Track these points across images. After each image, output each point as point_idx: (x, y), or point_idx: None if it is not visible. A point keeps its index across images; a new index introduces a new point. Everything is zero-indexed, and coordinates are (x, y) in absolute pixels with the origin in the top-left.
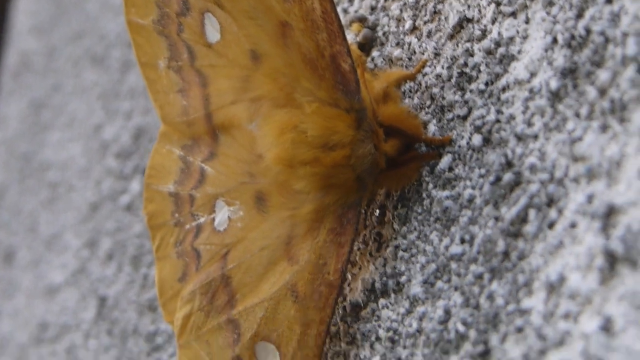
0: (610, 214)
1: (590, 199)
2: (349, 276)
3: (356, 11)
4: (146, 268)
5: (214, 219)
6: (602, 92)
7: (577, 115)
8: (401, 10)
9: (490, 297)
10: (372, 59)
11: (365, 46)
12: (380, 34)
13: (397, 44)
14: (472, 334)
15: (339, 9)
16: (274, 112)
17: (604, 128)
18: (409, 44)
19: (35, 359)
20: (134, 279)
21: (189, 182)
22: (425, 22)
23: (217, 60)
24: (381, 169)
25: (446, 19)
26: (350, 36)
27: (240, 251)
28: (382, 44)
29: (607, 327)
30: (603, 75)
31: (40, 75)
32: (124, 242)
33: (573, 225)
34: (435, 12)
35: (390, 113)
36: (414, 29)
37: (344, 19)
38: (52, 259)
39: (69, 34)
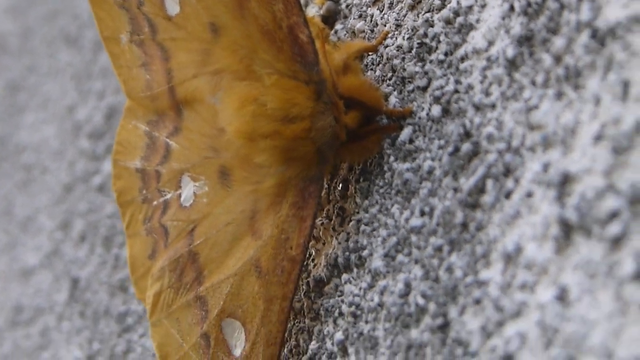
0: (565, 182)
1: (546, 167)
2: (313, 252)
3: None
4: (117, 249)
5: (180, 195)
6: (558, 59)
7: (533, 83)
8: None
9: (449, 269)
10: (336, 32)
11: (329, 19)
12: (343, 6)
13: (360, 16)
14: (432, 306)
15: None
16: (235, 85)
17: (559, 95)
18: (372, 15)
19: (9, 342)
20: (106, 259)
21: (155, 158)
22: None
23: (178, 33)
24: (342, 141)
25: None
26: (314, 10)
27: (206, 227)
28: (345, 17)
29: (562, 296)
30: (558, 42)
31: (16, 56)
32: (96, 223)
33: (529, 195)
34: None
35: (351, 84)
36: (376, 0)
37: None
38: (27, 241)
39: (44, 13)
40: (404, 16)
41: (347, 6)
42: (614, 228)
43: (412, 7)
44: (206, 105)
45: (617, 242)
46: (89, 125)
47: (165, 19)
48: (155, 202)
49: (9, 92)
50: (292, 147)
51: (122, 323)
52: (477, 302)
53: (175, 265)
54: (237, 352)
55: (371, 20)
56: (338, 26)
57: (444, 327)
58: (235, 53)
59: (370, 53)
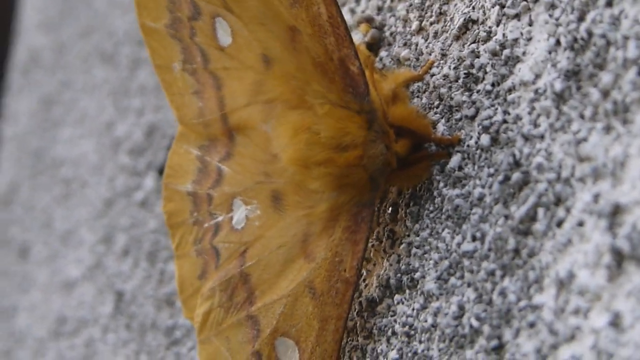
0: (616, 212)
1: (596, 198)
2: (364, 272)
3: (363, 11)
4: (162, 263)
5: (231, 218)
6: (605, 94)
7: (582, 116)
8: (407, 11)
9: (503, 293)
10: (381, 59)
11: (374, 46)
12: (387, 34)
13: (405, 44)
14: (486, 329)
15: (346, 9)
16: (288, 113)
17: (608, 129)
18: (416, 44)
19: (54, 352)
20: (151, 274)
21: (206, 182)
22: (431, 23)
23: (230, 63)
24: (393, 168)
25: (452, 20)
26: (358, 36)
27: (258, 249)
28: (390, 44)
29: (615, 322)
30: (605, 78)
31: (50, 71)
32: (140, 238)
33: (580, 224)
34: (440, 13)
35: (400, 113)
36: (420, 29)
37: (351, 19)
38: (68, 253)
39: (78, 30)
40: (449, 46)
41: (391, 34)
42: None
43: (457, 37)
44: (258, 132)
45: None
46: (128, 141)
47: (217, 49)
48: (206, 225)
49: (43, 107)
50: (345, 174)
51: (170, 336)
52: (531, 325)
53: (227, 285)
54: None
55: (416, 49)
56: (383, 53)
57: (499, 349)
58: (288, 83)
59: (416, 81)
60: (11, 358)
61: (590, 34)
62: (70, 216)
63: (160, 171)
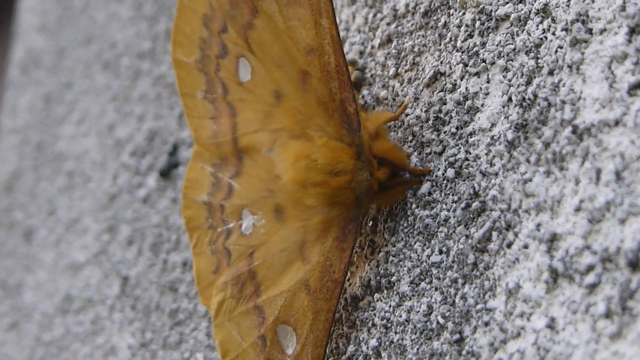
0: (553, 239)
1: (538, 227)
2: (349, 273)
3: (347, 53)
4: (165, 254)
5: (241, 225)
6: (547, 145)
7: (528, 161)
8: (385, 58)
9: (464, 297)
10: (363, 97)
11: (357, 85)
12: (368, 75)
13: (383, 86)
14: (450, 325)
15: None
16: (290, 142)
17: (548, 173)
18: (393, 87)
19: (61, 327)
20: (154, 262)
21: (219, 194)
22: (406, 71)
23: (247, 96)
24: (374, 190)
25: (423, 70)
26: None
27: (263, 251)
28: (370, 84)
29: (552, 325)
30: (547, 132)
31: (51, 72)
32: (143, 231)
33: (526, 247)
34: (414, 63)
35: (382, 147)
36: (396, 75)
37: None
38: (73, 240)
39: (78, 37)
40: (421, 91)
41: (371, 76)
42: (590, 278)
43: (427, 85)
44: (264, 155)
45: (592, 288)
46: (130, 144)
47: (237, 84)
48: (219, 229)
49: (45, 105)
50: (336, 194)
51: (174, 318)
52: (486, 324)
53: (237, 280)
54: (289, 351)
55: (393, 91)
56: (364, 92)
57: (460, 341)
58: (294, 117)
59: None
60: (19, 330)
61: (535, 95)
62: (75, 206)
63: (163, 174)
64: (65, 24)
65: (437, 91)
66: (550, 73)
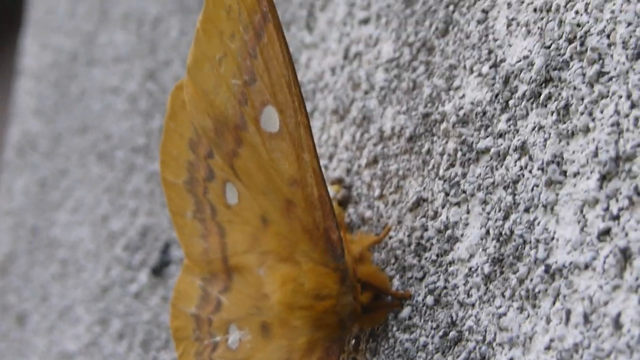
0: None
1: None
2: None
3: (335, 169)
4: (155, 352)
5: (227, 339)
6: (521, 281)
7: (503, 295)
8: (371, 178)
9: None
10: (349, 215)
11: (344, 202)
12: (354, 193)
13: (369, 206)
14: None
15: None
16: (278, 264)
17: (521, 309)
18: (378, 208)
19: None
20: (145, 359)
21: (207, 308)
22: (390, 193)
23: (234, 218)
24: (358, 313)
25: (407, 194)
26: (332, 193)
27: None
28: (356, 202)
29: None
30: (522, 269)
31: (46, 157)
32: (134, 326)
33: None
34: (398, 187)
35: (366, 271)
36: (381, 196)
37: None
38: (66, 328)
39: (74, 125)
40: (404, 215)
41: (357, 194)
42: None
43: (410, 209)
44: (253, 274)
45: None
46: (124, 237)
47: (225, 207)
48: (206, 342)
49: (40, 189)
50: (321, 317)
51: None
52: None
53: None
54: None
55: (377, 212)
56: (350, 210)
57: None
58: (280, 241)
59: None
60: None
61: (512, 231)
62: (68, 295)
63: (154, 271)
64: (62, 110)
65: (420, 217)
66: (527, 210)
